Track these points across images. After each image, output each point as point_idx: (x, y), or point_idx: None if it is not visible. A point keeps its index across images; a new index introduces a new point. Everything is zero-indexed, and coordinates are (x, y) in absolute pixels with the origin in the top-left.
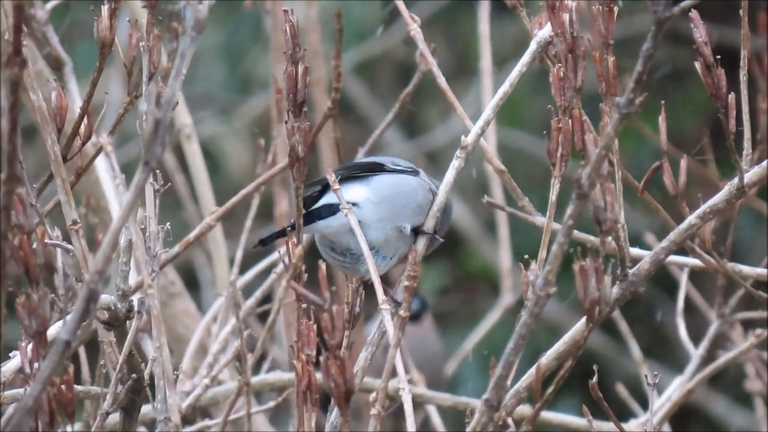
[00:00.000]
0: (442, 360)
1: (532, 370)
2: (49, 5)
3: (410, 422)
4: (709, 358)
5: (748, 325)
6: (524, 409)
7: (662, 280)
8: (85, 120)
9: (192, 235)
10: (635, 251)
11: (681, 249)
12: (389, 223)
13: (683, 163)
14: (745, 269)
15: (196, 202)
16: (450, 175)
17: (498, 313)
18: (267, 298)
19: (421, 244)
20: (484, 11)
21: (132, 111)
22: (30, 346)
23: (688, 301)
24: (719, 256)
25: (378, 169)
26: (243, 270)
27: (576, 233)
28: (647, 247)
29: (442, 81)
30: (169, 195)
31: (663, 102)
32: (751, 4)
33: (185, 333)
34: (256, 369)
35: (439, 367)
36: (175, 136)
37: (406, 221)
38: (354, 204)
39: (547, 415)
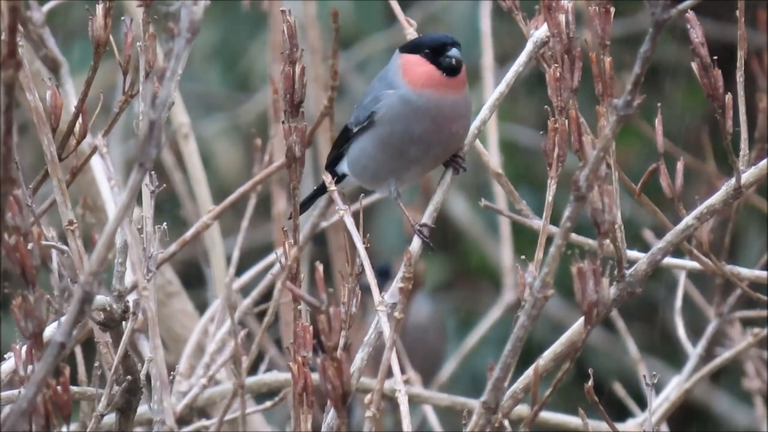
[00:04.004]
0: (440, 350)
1: (530, 371)
2: (46, 7)
3: (406, 423)
4: (707, 356)
5: (747, 323)
6: (522, 410)
7: (661, 277)
8: (80, 119)
9: (188, 234)
10: (632, 253)
11: (679, 251)
12: (379, 179)
13: (680, 165)
14: (743, 271)
15: (193, 200)
16: (448, 174)
17: (499, 311)
18: (265, 297)
19: (416, 244)
20: (485, 8)
21: (129, 109)
22: (24, 348)
23: (687, 297)
24: (717, 256)
25: (347, 135)
26: (241, 269)
27: (574, 236)
28: (647, 245)
29: None
30: (167, 192)
31: (659, 104)
32: (751, 3)
33: (183, 332)
34: (254, 369)
35: (436, 359)
36: (172, 135)
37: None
38: (345, 175)
39: (545, 415)
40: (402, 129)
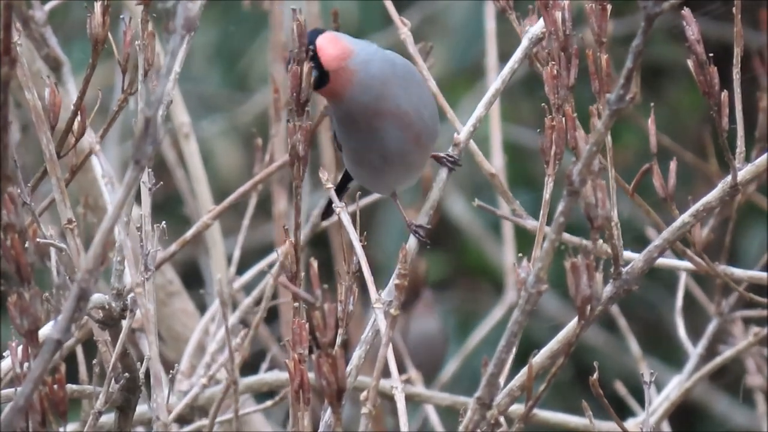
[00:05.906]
0: (442, 348)
1: (526, 369)
2: (48, 6)
3: (403, 422)
4: (709, 354)
5: (748, 320)
6: (521, 409)
7: (661, 276)
8: (79, 116)
9: (189, 233)
10: (627, 254)
11: (676, 252)
12: (373, 187)
13: (672, 165)
14: (737, 272)
15: (195, 199)
16: (443, 172)
17: (502, 311)
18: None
19: (413, 242)
20: (489, 8)
21: (126, 110)
22: (20, 346)
23: (688, 295)
24: (717, 255)
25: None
26: (242, 268)
27: (569, 237)
28: (649, 243)
29: (432, 84)
30: (169, 190)
31: (652, 105)
32: (751, 3)
33: (183, 332)
34: (255, 368)
35: (438, 356)
36: (170, 132)
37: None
38: None
39: (545, 414)
40: (353, 146)
